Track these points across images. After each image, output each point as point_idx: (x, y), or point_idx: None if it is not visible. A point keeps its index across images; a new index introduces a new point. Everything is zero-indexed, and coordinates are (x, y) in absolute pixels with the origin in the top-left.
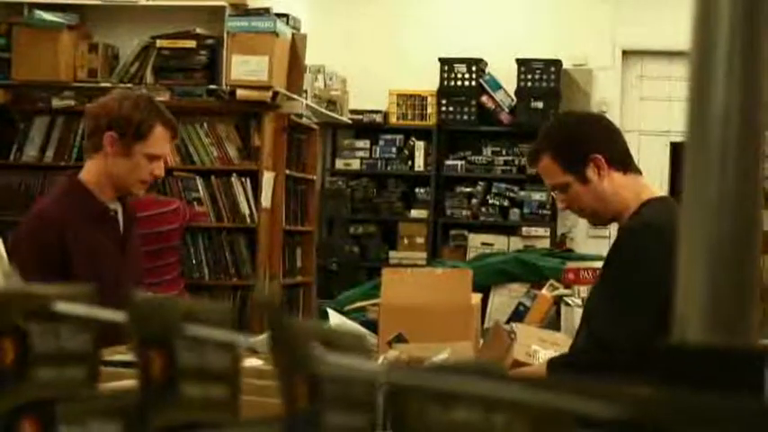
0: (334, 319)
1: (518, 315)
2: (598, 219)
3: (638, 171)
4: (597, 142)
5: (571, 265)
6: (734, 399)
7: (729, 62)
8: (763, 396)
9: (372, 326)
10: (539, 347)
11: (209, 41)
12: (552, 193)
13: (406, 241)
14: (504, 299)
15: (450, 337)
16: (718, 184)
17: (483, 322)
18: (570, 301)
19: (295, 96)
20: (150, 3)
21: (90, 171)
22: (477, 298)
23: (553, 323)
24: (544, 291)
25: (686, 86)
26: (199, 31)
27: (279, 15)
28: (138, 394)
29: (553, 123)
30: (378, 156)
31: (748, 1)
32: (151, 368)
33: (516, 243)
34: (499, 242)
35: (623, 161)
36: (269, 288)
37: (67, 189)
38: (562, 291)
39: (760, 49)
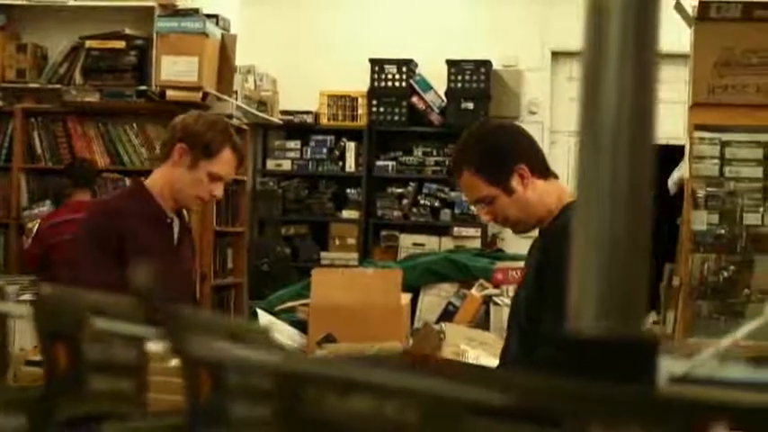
0: (264, 319)
1: (447, 315)
2: (522, 227)
3: (555, 176)
4: (518, 152)
5: (500, 265)
6: (624, 387)
7: (621, 61)
8: (654, 384)
9: (302, 326)
10: (467, 347)
11: (139, 42)
12: (474, 207)
13: (337, 242)
14: (433, 299)
15: (379, 336)
16: (610, 179)
17: (413, 322)
18: (499, 301)
19: (225, 97)
20: (79, 3)
21: (155, 179)
22: (406, 298)
23: (482, 323)
24: (473, 290)
25: (579, 87)
26: (128, 31)
27: (208, 16)
28: (43, 387)
29: (470, 137)
30: (309, 156)
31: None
32: (56, 361)
33: (447, 243)
34: (430, 242)
35: (543, 168)
36: (148, 277)
37: (129, 190)
38: (491, 291)
39: (652, 48)
